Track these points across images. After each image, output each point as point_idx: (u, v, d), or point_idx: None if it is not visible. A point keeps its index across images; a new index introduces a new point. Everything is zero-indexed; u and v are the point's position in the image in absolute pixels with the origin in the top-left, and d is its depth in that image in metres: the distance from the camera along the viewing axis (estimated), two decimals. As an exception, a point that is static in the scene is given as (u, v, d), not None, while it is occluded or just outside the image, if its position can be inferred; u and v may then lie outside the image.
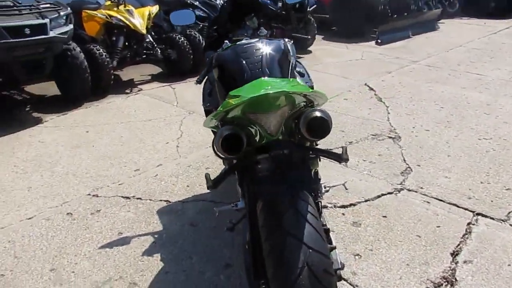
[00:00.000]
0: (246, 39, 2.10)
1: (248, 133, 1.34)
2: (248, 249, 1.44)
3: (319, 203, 1.70)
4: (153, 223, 2.47)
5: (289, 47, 2.18)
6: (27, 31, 3.84)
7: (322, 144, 3.54)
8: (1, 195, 2.81)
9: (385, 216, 2.51)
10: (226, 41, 2.21)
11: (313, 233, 1.29)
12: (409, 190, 2.82)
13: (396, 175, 3.01)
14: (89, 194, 2.79)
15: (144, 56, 5.34)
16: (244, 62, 1.90)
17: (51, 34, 4.00)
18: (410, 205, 2.63)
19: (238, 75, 1.90)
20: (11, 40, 3.74)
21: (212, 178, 1.54)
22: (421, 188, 2.83)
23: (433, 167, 3.12)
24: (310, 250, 1.25)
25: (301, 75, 2.34)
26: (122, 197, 2.75)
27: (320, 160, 1.81)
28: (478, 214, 2.54)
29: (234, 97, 1.23)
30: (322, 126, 1.20)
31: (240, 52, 1.95)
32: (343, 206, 2.62)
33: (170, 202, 2.68)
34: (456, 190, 2.80)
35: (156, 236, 2.34)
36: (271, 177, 1.43)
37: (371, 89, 5.10)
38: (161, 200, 2.70)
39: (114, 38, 5.19)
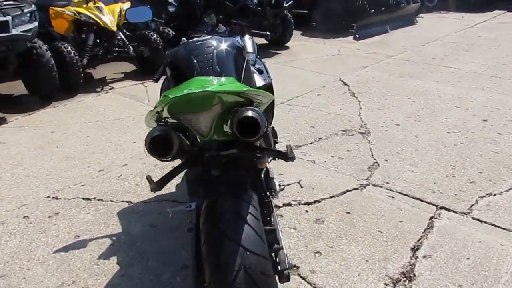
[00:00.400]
0: (202, 36, 2.06)
1: (186, 134, 1.30)
2: (191, 252, 1.41)
3: (270, 202, 1.67)
4: (112, 225, 2.41)
5: (247, 44, 2.14)
6: (-12, 29, 3.72)
7: (291, 141, 3.53)
8: (-43, 199, 2.72)
9: (348, 212, 2.50)
10: (184, 38, 2.16)
11: (252, 235, 1.25)
12: (374, 185, 2.81)
13: (363, 171, 3.00)
14: (48, 197, 2.71)
15: (115, 53, 5.24)
16: (194, 59, 1.85)
17: (14, 32, 3.89)
18: (375, 201, 2.62)
19: (189, 73, 1.86)
20: (-29, 39, 3.63)
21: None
22: (387, 183, 2.83)
23: (400, 162, 3.12)
24: (248, 253, 1.21)
25: (260, 72, 2.30)
26: (83, 198, 2.68)
27: (269, 160, 1.78)
28: (441, 208, 2.55)
29: (166, 97, 1.19)
30: (253, 126, 1.17)
31: (192, 50, 1.90)
32: (308, 203, 2.60)
33: (132, 203, 2.63)
34: (421, 184, 2.80)
35: (114, 238, 2.29)
36: (211, 178, 1.40)
37: (345, 84, 5.10)
38: (123, 201, 2.64)
39: (83, 36, 5.07)
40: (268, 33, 2.53)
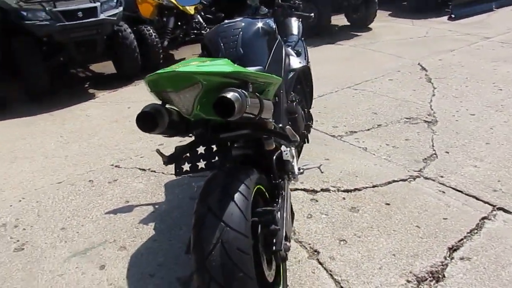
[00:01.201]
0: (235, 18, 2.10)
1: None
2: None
3: (279, 184, 1.68)
4: (158, 194, 2.64)
5: (293, 25, 2.14)
6: (80, 14, 4.20)
7: (347, 126, 3.41)
8: (43, 161, 3.19)
9: (388, 204, 2.38)
10: (226, 21, 2.23)
11: (235, 212, 1.29)
12: (426, 178, 2.62)
13: (417, 162, 2.81)
14: (112, 165, 3.04)
15: (193, 35, 5.52)
16: (221, 42, 1.91)
17: (101, 16, 4.33)
18: (421, 194, 2.45)
19: (215, 54, 1.93)
20: (66, 23, 4.13)
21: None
22: (441, 176, 2.62)
23: (463, 155, 2.85)
24: (227, 228, 1.26)
25: (298, 54, 2.27)
26: (139, 169, 2.96)
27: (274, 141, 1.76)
28: (499, 208, 2.29)
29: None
30: (228, 106, 1.19)
31: (220, 32, 1.96)
32: (347, 191, 2.54)
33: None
34: (481, 181, 2.54)
35: (156, 206, 2.50)
36: (207, 155, 1.46)
37: (423, 69, 4.73)
38: (172, 174, 2.85)
39: (165, 19, 5.43)
40: (311, 14, 2.47)
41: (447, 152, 2.90)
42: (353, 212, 2.33)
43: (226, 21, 2.05)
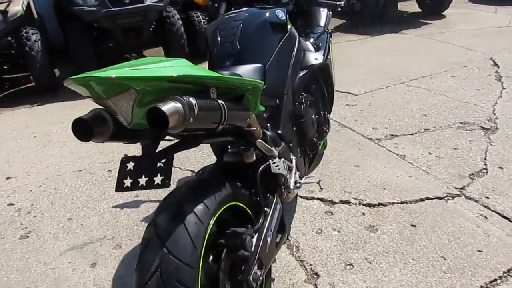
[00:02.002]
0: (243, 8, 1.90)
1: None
2: None
3: (260, 201, 1.47)
4: (168, 191, 2.54)
5: (320, 16, 1.91)
6: (127, 0, 4.22)
7: (388, 128, 3.04)
8: (73, 146, 3.25)
9: (413, 225, 2.06)
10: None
11: (183, 238, 1.12)
12: (467, 197, 2.23)
13: (461, 177, 2.41)
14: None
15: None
16: (218, 35, 1.73)
17: (147, 2, 4.32)
18: (457, 217, 2.08)
19: (212, 48, 1.75)
20: (113, 9, 4.18)
21: None
22: (486, 197, 2.21)
23: (521, 173, 2.39)
24: (170, 256, 1.10)
25: (317, 49, 2.01)
26: (159, 161, 2.89)
27: (257, 152, 1.53)
28: (555, 245, 1.87)
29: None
30: (162, 119, 1.00)
31: (220, 24, 1.78)
32: (369, 205, 2.24)
33: (194, 172, 2.71)
34: (538, 208, 2.10)
35: (163, 204, 2.41)
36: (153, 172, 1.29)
37: (495, 64, 4.12)
38: (188, 169, 2.75)
39: (216, 5, 5.31)
40: (339, 3, 2.16)
41: (501, 168, 2.45)
42: (370, 232, 2.04)
43: (232, 11, 1.85)
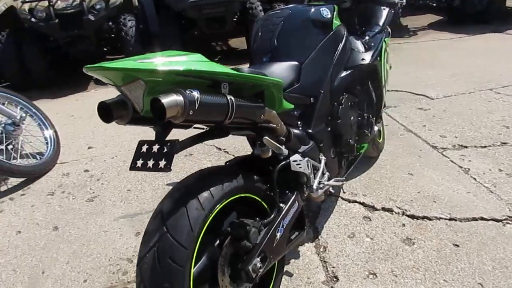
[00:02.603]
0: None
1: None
2: None
3: (276, 197, 1.50)
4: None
5: (381, 15, 1.89)
6: (211, -8, 4.44)
7: (458, 137, 2.79)
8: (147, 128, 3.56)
9: (456, 245, 1.90)
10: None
11: (182, 220, 1.21)
12: (530, 224, 1.99)
13: (529, 200, 2.15)
14: (196, 139, 3.21)
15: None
16: (260, 31, 1.77)
17: (231, -6, 4.49)
18: (511, 244, 1.88)
19: (252, 44, 1.80)
20: (198, 0, 4.43)
21: None
22: (554, 228, 1.95)
23: None
24: (167, 235, 1.20)
25: (367, 49, 1.94)
26: (216, 147, 3.05)
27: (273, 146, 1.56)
28: None
29: None
30: (160, 109, 1.07)
31: (264, 20, 1.81)
32: (413, 216, 2.12)
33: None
34: None
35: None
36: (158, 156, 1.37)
37: None
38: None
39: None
40: (400, 1, 2.03)
41: None
42: (405, 244, 1.94)
43: (278, 7, 1.87)
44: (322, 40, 1.74)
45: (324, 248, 1.97)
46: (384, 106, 2.26)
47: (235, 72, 1.23)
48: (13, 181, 2.87)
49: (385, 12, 2.14)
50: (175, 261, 1.18)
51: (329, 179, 1.78)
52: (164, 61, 1.14)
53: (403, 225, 2.06)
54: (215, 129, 1.47)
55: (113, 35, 5.01)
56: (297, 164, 1.54)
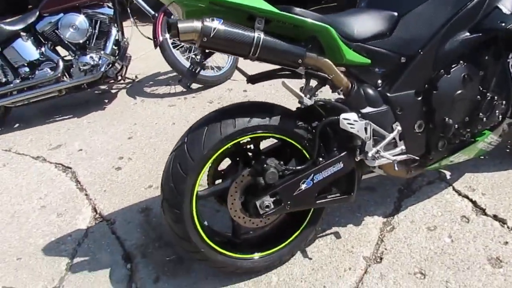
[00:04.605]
0: None
1: None
2: None
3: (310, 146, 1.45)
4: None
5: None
6: None
7: None
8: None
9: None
10: None
11: (198, 137, 1.35)
12: None
13: None
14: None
15: None
16: None
17: None
18: None
19: None
20: None
21: None
22: None
23: None
24: (184, 145, 1.37)
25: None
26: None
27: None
28: None
29: None
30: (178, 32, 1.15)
31: None
32: (525, 237, 1.64)
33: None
34: None
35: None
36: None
37: None
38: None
39: None
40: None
41: None
42: (489, 263, 1.57)
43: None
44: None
45: (392, 228, 1.79)
46: None
47: (268, 8, 1.22)
48: (194, 85, 3.51)
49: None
50: (181, 167, 1.38)
51: (403, 154, 1.56)
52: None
53: (506, 243, 1.64)
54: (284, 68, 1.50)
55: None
56: (349, 124, 1.42)
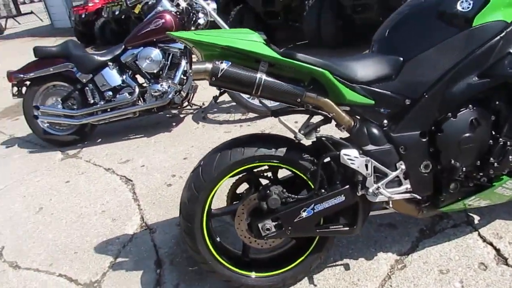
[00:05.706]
0: None
1: None
2: None
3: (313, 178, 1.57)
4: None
5: None
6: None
7: None
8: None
9: None
10: None
11: (211, 162, 1.56)
12: None
13: None
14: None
15: None
16: (388, 19, 1.67)
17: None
18: None
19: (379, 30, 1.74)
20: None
21: None
22: None
23: None
24: (200, 168, 1.58)
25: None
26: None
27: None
28: None
29: None
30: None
31: (403, 6, 1.68)
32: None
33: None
34: None
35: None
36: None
37: None
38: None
39: None
40: None
41: None
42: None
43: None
44: (450, 36, 1.48)
45: (403, 266, 1.80)
46: None
47: (270, 54, 1.40)
48: (251, 115, 3.78)
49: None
50: (195, 186, 1.59)
51: (408, 193, 1.60)
52: (221, 36, 1.45)
53: (519, 294, 1.56)
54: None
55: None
56: (349, 159, 1.52)
